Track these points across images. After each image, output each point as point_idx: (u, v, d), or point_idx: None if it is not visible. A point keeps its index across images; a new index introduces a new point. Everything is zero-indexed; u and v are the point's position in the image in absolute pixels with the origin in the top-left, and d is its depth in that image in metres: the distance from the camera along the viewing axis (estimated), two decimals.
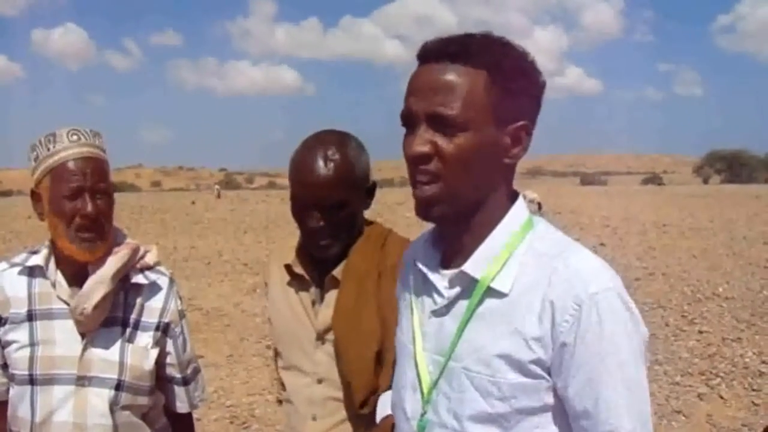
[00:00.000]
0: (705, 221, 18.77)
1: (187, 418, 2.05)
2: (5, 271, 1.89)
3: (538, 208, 21.56)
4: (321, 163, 1.75)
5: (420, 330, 1.34)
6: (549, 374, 1.21)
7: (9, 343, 1.82)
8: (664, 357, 6.82)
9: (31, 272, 1.86)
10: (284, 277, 1.92)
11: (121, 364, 1.82)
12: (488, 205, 1.29)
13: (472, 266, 1.27)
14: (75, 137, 1.79)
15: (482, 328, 1.25)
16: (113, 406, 1.80)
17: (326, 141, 1.79)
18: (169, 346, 1.92)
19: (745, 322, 7.97)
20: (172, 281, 1.96)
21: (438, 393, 1.29)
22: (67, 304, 1.80)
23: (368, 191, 1.87)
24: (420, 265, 1.36)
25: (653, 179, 70.35)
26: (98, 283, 1.78)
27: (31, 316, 1.82)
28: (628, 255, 12.98)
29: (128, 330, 1.85)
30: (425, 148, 1.23)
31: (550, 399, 1.22)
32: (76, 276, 1.82)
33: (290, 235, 1.97)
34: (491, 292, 1.25)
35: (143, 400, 1.87)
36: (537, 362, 1.20)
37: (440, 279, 1.32)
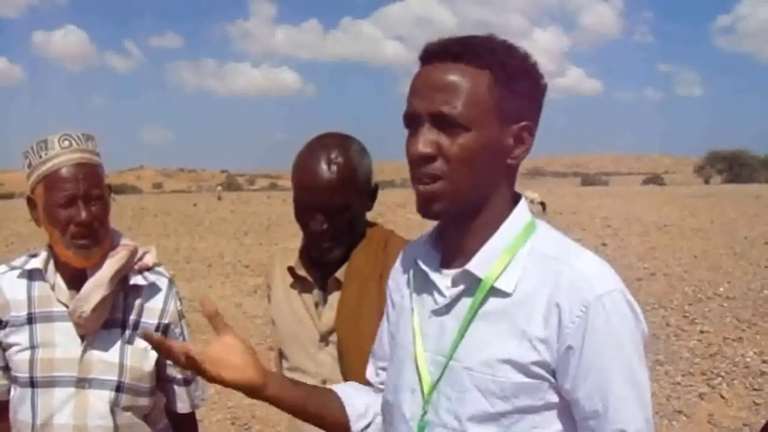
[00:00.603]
0: (706, 221, 18.77)
1: (190, 418, 2.04)
2: (5, 274, 1.89)
3: (542, 209, 21.58)
4: (324, 166, 1.75)
5: (420, 330, 1.34)
6: (552, 375, 1.22)
7: (10, 346, 1.83)
8: (665, 357, 6.82)
9: (31, 275, 1.86)
10: (287, 279, 1.92)
11: (121, 366, 1.82)
12: (490, 206, 1.29)
13: (476, 265, 1.26)
14: (66, 143, 1.77)
15: (485, 328, 1.25)
16: (114, 407, 1.80)
17: (329, 144, 1.80)
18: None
19: (746, 322, 7.97)
20: (171, 282, 1.96)
21: (439, 394, 1.28)
22: (67, 307, 1.81)
23: (370, 194, 1.87)
24: (421, 264, 1.36)
25: (654, 179, 70.38)
26: (96, 286, 1.78)
27: (31, 319, 1.82)
28: (629, 255, 12.98)
29: (128, 331, 1.86)
30: (428, 149, 1.23)
31: (551, 398, 1.22)
32: (75, 279, 1.82)
33: (292, 237, 1.98)
34: (494, 292, 1.25)
35: (144, 401, 1.87)
36: (541, 363, 1.20)
37: (441, 278, 1.32)
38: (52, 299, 1.83)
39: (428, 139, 1.23)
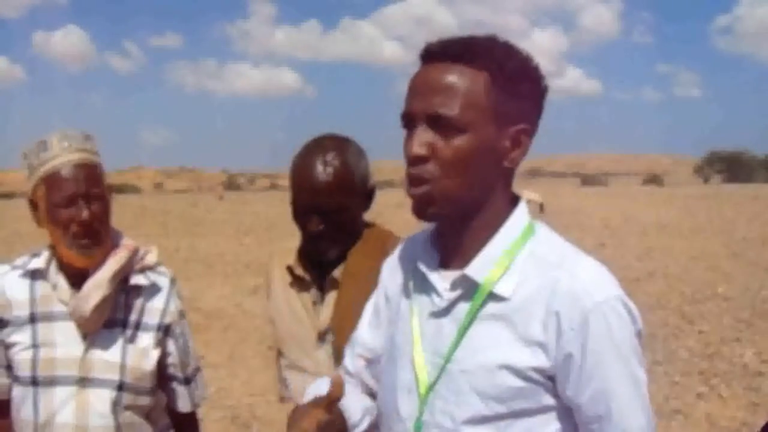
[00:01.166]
0: (705, 222, 18.77)
1: (191, 417, 2.06)
2: (7, 274, 1.90)
3: (540, 210, 21.57)
4: (320, 168, 1.77)
5: (418, 331, 1.33)
6: (549, 380, 1.22)
7: (11, 345, 1.84)
8: (663, 357, 6.82)
9: (33, 275, 1.87)
10: (285, 279, 1.94)
11: (122, 365, 1.83)
12: (488, 208, 1.29)
13: (474, 270, 1.26)
14: (66, 143, 1.78)
15: (483, 332, 1.25)
16: (115, 406, 1.81)
17: (326, 146, 1.81)
18: (171, 346, 1.94)
19: (745, 322, 7.97)
20: (172, 281, 1.97)
21: (435, 395, 1.28)
22: (68, 306, 1.82)
23: (368, 195, 1.88)
24: (420, 265, 1.35)
25: (653, 180, 70.28)
26: (97, 286, 1.79)
27: (32, 319, 1.84)
28: (627, 255, 12.98)
29: (129, 331, 1.86)
30: (422, 150, 1.23)
31: (547, 401, 1.23)
32: (77, 278, 1.83)
33: (291, 236, 1.99)
34: (493, 297, 1.25)
35: (145, 401, 1.88)
36: (538, 369, 1.21)
37: (440, 280, 1.32)
38: (54, 299, 1.84)
39: (423, 140, 1.23)
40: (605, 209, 22.66)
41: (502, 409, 1.22)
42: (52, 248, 1.87)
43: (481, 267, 1.26)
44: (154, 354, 1.88)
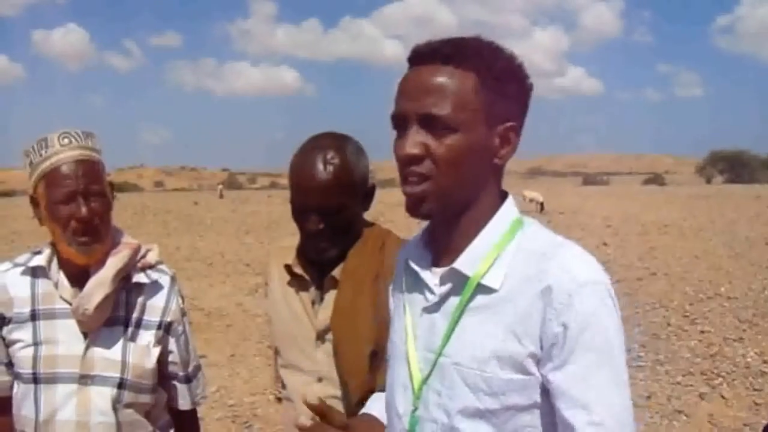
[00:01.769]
0: (707, 221, 18.76)
1: (192, 415, 2.06)
2: (8, 271, 1.90)
3: (540, 209, 21.56)
4: (320, 167, 1.76)
5: (412, 328, 1.36)
6: (539, 368, 1.22)
7: (13, 342, 1.84)
8: (665, 357, 6.83)
9: (34, 272, 1.87)
10: (284, 277, 1.93)
11: (123, 363, 1.83)
12: (478, 204, 1.31)
13: (462, 263, 1.29)
14: (66, 140, 1.78)
15: (473, 324, 1.26)
16: (116, 404, 1.81)
17: (325, 145, 1.80)
18: (172, 345, 1.94)
19: (747, 322, 7.97)
20: (173, 280, 1.97)
21: (428, 389, 1.30)
22: (70, 304, 1.82)
23: (367, 194, 1.88)
24: (412, 264, 1.38)
25: (655, 179, 70.34)
26: (99, 284, 1.79)
27: (34, 316, 1.84)
28: (629, 255, 12.98)
29: (130, 329, 1.87)
30: (417, 150, 1.25)
31: (541, 397, 1.23)
32: (78, 276, 1.83)
33: (291, 235, 1.98)
34: (482, 289, 1.27)
35: (146, 398, 1.88)
36: (528, 358, 1.22)
37: (431, 277, 1.34)
38: (56, 296, 1.84)
39: (416, 140, 1.25)
40: (607, 209, 22.65)
41: (494, 404, 1.22)
42: (53, 246, 1.87)
43: (469, 260, 1.29)
44: (155, 352, 1.88)
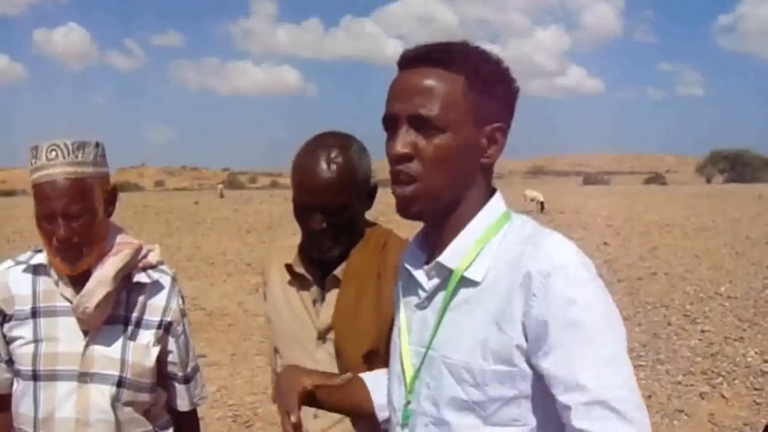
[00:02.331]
0: (708, 221, 18.74)
1: (192, 415, 2.06)
2: (10, 268, 1.91)
3: (541, 209, 21.54)
4: (323, 166, 1.76)
5: (406, 325, 1.41)
6: (526, 360, 1.23)
7: (14, 339, 1.85)
8: (666, 356, 6.83)
9: (36, 270, 1.88)
10: (284, 277, 1.93)
11: (123, 362, 1.84)
12: (466, 203, 1.34)
13: (446, 257, 1.33)
14: (53, 154, 1.75)
15: (458, 317, 1.30)
16: (115, 402, 1.82)
17: (328, 144, 1.80)
18: (171, 345, 1.94)
19: (748, 322, 7.96)
20: (174, 280, 1.97)
21: (420, 383, 1.34)
22: (71, 302, 1.82)
23: (370, 193, 1.88)
24: (406, 265, 1.43)
25: (656, 179, 70.26)
26: (99, 283, 1.79)
27: (35, 313, 1.85)
28: (630, 254, 12.98)
29: (130, 328, 1.87)
30: (406, 149, 1.29)
31: (526, 388, 1.24)
32: (79, 275, 1.83)
33: (293, 235, 1.98)
34: (465, 282, 1.30)
35: (144, 397, 1.89)
36: (513, 348, 1.23)
37: (422, 274, 1.38)
38: (56, 294, 1.85)
39: (406, 140, 1.29)
40: (608, 208, 22.62)
41: (479, 396, 1.25)
42: None
43: (453, 254, 1.32)
44: (155, 351, 1.89)
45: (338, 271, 1.84)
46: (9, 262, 1.93)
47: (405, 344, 1.39)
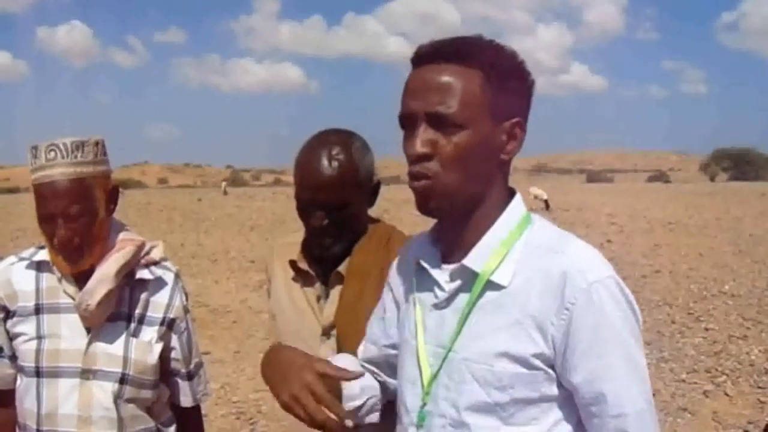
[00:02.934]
0: (711, 219, 18.71)
1: (195, 412, 2.06)
2: (14, 265, 1.91)
3: (546, 207, 21.51)
4: (325, 163, 1.76)
5: (422, 324, 1.38)
6: (549, 366, 1.25)
7: (16, 336, 1.85)
8: (669, 354, 6.82)
9: (39, 267, 1.88)
10: (288, 273, 1.93)
11: (125, 359, 1.84)
12: (486, 201, 1.33)
13: (472, 260, 1.30)
14: (52, 154, 1.74)
15: (482, 320, 1.28)
16: (117, 399, 1.82)
17: (330, 141, 1.80)
18: (174, 342, 1.94)
19: (752, 320, 7.95)
20: (177, 277, 1.97)
21: (438, 384, 1.32)
22: (73, 299, 1.82)
23: (372, 190, 1.88)
24: (422, 262, 1.40)
25: (659, 177, 70.17)
26: (102, 280, 1.79)
27: (38, 310, 1.85)
28: (634, 252, 12.96)
29: (133, 325, 1.87)
30: (426, 148, 1.27)
31: (548, 390, 1.25)
32: (82, 272, 1.83)
33: (292, 231, 1.98)
34: (491, 285, 1.29)
35: (147, 394, 1.89)
36: (537, 354, 1.24)
37: (441, 274, 1.36)
38: (59, 291, 1.85)
39: (425, 138, 1.27)
40: (611, 206, 22.59)
41: (503, 398, 1.25)
42: None
43: (478, 257, 1.30)
44: (157, 348, 1.88)
45: (342, 268, 1.84)
46: (12, 259, 1.93)
47: (422, 345, 1.36)
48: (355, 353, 1.77)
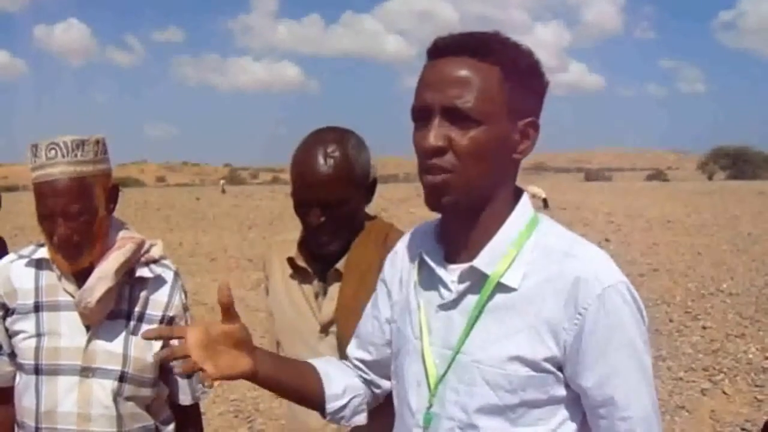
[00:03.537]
0: (709, 218, 18.73)
1: (194, 410, 2.06)
2: (13, 262, 1.91)
3: (544, 205, 21.52)
4: (321, 160, 1.77)
5: (426, 324, 1.35)
6: (558, 368, 1.24)
7: (16, 333, 1.85)
8: (667, 353, 6.82)
9: (39, 264, 1.88)
10: (286, 271, 1.93)
11: (125, 356, 1.84)
12: (496, 201, 1.31)
13: (482, 262, 1.28)
14: (53, 153, 1.74)
15: (493, 323, 1.27)
16: (117, 397, 1.82)
17: (326, 138, 1.81)
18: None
19: (749, 319, 7.96)
20: (176, 275, 1.97)
21: (445, 386, 1.30)
22: (73, 297, 1.82)
23: (369, 188, 1.88)
24: (427, 259, 1.37)
25: (657, 175, 70.24)
26: (101, 278, 1.79)
27: (37, 308, 1.85)
28: (632, 251, 12.97)
29: (132, 323, 1.87)
30: (441, 142, 1.24)
31: (557, 391, 1.25)
32: (82, 269, 1.83)
33: (289, 229, 1.99)
34: (501, 288, 1.27)
35: (146, 392, 1.89)
36: (548, 358, 1.23)
37: (447, 274, 1.34)
38: (59, 289, 1.85)
39: (440, 132, 1.25)
40: (609, 205, 22.62)
41: (513, 400, 1.24)
42: None
43: (488, 259, 1.28)
44: (157, 346, 1.88)
45: (340, 265, 1.85)
46: (12, 256, 1.93)
47: (427, 345, 1.34)
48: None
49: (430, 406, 1.32)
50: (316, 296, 1.89)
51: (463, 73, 1.24)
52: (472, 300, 1.29)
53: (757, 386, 5.97)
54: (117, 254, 1.83)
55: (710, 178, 59.40)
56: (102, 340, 1.83)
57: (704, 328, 7.69)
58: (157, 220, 21.30)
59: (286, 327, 1.94)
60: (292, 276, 1.92)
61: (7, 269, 1.89)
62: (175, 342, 1.92)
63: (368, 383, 1.58)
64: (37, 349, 1.82)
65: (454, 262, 1.34)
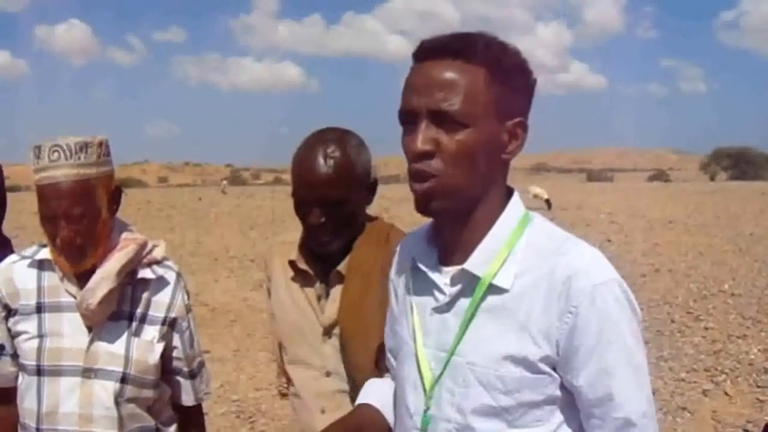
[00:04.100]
0: (711, 218, 18.70)
1: (197, 411, 2.07)
2: (15, 263, 1.91)
3: (548, 206, 21.47)
4: (321, 161, 1.77)
5: (420, 327, 1.36)
6: (553, 368, 1.24)
7: (18, 334, 1.85)
8: (669, 353, 6.82)
9: (41, 265, 1.88)
10: (288, 273, 1.93)
11: (127, 358, 1.84)
12: (486, 202, 1.31)
13: (473, 264, 1.29)
14: (56, 155, 1.73)
15: (486, 324, 1.27)
16: (118, 398, 1.82)
17: (326, 139, 1.81)
18: (176, 341, 1.94)
19: (751, 319, 7.95)
20: (179, 276, 1.97)
21: (441, 388, 1.31)
22: (75, 298, 1.82)
23: (370, 188, 1.88)
24: (419, 264, 1.37)
25: (659, 176, 70.17)
26: (103, 279, 1.79)
27: (40, 308, 1.85)
28: (633, 251, 12.96)
29: (135, 324, 1.87)
30: (428, 146, 1.24)
31: (553, 392, 1.25)
32: (84, 270, 1.83)
33: (292, 230, 1.99)
34: (493, 289, 1.27)
35: (148, 393, 1.89)
36: (542, 358, 1.23)
37: (440, 277, 1.34)
38: (61, 289, 1.85)
39: (427, 136, 1.24)
40: (611, 205, 22.58)
41: (509, 401, 1.24)
42: None
43: (479, 261, 1.28)
44: (159, 347, 1.88)
45: (342, 267, 1.85)
46: (14, 257, 1.94)
47: (421, 348, 1.34)
48: (359, 352, 1.78)
49: (427, 408, 1.32)
50: (319, 298, 1.89)
51: (449, 75, 1.24)
52: (465, 302, 1.30)
53: (759, 387, 5.96)
54: (119, 255, 1.83)
55: (712, 178, 59.31)
56: (104, 342, 1.83)
57: (706, 328, 7.68)
58: (158, 220, 21.30)
59: (288, 329, 1.94)
60: (293, 278, 1.92)
61: (10, 270, 1.90)
62: (177, 341, 1.93)
63: None
64: (39, 350, 1.82)
65: (447, 264, 1.34)
